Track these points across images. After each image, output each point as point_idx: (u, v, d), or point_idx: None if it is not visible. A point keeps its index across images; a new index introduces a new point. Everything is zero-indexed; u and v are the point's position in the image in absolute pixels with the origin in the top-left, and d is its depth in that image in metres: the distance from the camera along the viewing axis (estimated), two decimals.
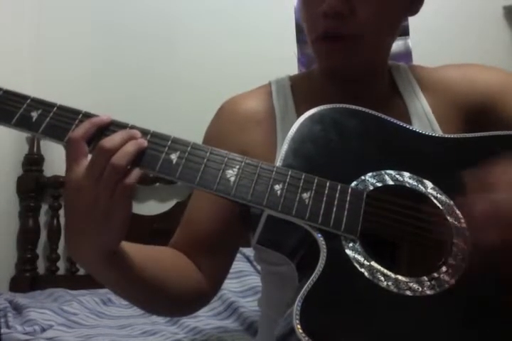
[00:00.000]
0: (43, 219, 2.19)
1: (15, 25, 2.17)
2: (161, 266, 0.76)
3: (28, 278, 2.06)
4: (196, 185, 0.63)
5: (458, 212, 0.68)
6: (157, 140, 0.64)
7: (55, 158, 2.19)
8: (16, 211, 2.14)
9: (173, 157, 0.63)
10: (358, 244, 0.63)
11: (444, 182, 0.70)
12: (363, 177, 0.68)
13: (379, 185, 0.68)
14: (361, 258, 0.61)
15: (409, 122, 0.84)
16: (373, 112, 0.75)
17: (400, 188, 0.69)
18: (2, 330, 1.41)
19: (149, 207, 2.12)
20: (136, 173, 0.62)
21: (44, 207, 2.20)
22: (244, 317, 1.44)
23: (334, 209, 0.64)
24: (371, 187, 0.67)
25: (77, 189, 0.61)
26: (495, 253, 0.61)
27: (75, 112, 0.65)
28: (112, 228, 0.63)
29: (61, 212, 2.17)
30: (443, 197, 0.69)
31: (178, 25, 2.23)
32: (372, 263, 0.61)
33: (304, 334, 0.53)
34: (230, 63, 2.15)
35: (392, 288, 0.60)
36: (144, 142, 0.63)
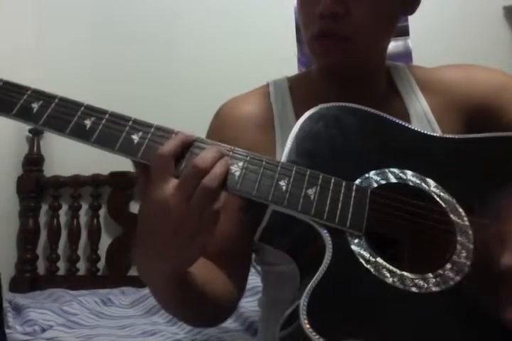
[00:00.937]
0: (43, 219, 2.19)
1: (15, 24, 2.17)
2: (210, 279, 0.75)
3: (28, 279, 2.07)
4: None
5: (461, 210, 0.68)
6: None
7: (55, 158, 2.19)
8: (16, 211, 2.14)
9: None
10: (363, 240, 0.63)
11: (447, 181, 0.70)
12: (366, 175, 0.68)
13: (383, 182, 0.68)
14: (367, 255, 0.61)
15: (409, 122, 0.84)
16: (374, 111, 0.75)
17: (403, 186, 0.69)
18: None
19: None
20: (224, 197, 0.60)
21: (44, 207, 2.20)
22: (244, 317, 1.44)
23: (339, 205, 0.63)
24: (375, 185, 0.67)
25: (164, 208, 0.58)
26: (498, 250, 0.61)
27: (77, 104, 0.64)
28: (192, 252, 0.61)
29: (61, 212, 2.18)
30: (446, 196, 0.69)
31: (178, 25, 2.24)
32: (378, 259, 0.62)
33: (311, 330, 0.53)
34: (230, 63, 2.15)
35: (397, 284, 0.60)
36: (229, 161, 0.62)
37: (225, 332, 1.40)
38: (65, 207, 2.18)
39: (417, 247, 0.68)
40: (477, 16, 2.10)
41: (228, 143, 0.66)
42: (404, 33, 2.11)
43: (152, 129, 0.63)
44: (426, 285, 0.61)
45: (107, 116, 0.63)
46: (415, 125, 0.83)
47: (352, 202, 0.64)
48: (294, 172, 0.64)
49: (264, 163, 0.64)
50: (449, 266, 0.63)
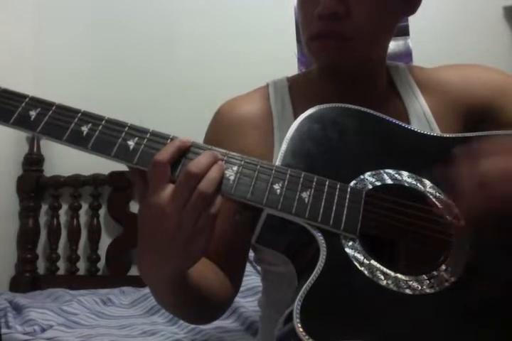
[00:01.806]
0: (43, 219, 2.19)
1: (15, 24, 2.17)
2: (208, 277, 0.77)
3: (28, 278, 2.07)
4: None
5: (457, 210, 0.68)
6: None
7: (55, 158, 2.19)
8: (16, 211, 2.14)
9: None
10: (357, 242, 0.63)
11: (443, 181, 0.70)
12: (362, 177, 0.68)
13: (378, 184, 0.68)
14: (361, 257, 0.62)
15: (408, 122, 0.84)
16: (372, 111, 0.75)
17: (398, 187, 0.69)
18: (2, 330, 1.41)
19: None
20: (219, 201, 0.61)
21: (44, 207, 2.20)
22: (244, 317, 1.44)
23: (334, 207, 0.63)
24: (370, 186, 0.67)
25: (161, 214, 0.59)
26: (494, 251, 0.61)
27: (74, 111, 0.64)
28: (191, 255, 0.62)
29: (61, 211, 2.18)
30: (442, 196, 0.69)
31: (178, 25, 2.24)
32: (372, 261, 0.62)
33: (304, 333, 0.53)
34: (229, 63, 2.15)
35: (391, 286, 0.60)
36: (224, 166, 0.63)
37: (225, 332, 1.40)
38: (65, 207, 2.19)
39: (412, 249, 0.68)
40: (477, 16, 2.10)
41: (227, 145, 0.66)
42: (405, 33, 2.11)
43: (148, 135, 0.64)
44: (420, 287, 0.61)
45: (103, 122, 0.64)
46: (415, 125, 0.83)
47: (346, 205, 0.64)
48: (288, 175, 0.64)
49: (258, 166, 0.64)
50: (443, 267, 0.63)
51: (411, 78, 0.91)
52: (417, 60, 2.00)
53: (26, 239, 2.12)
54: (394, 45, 2.11)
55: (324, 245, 0.61)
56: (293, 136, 0.69)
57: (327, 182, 0.65)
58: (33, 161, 2.17)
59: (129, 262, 2.07)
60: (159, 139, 0.64)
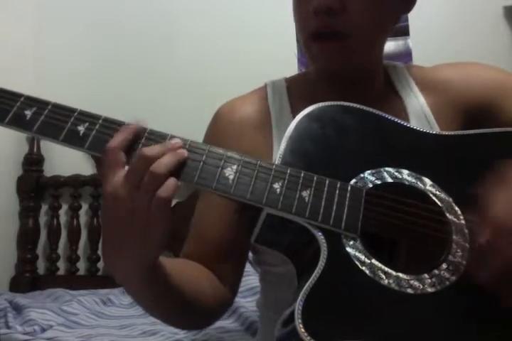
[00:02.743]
0: (42, 219, 2.19)
1: (15, 24, 2.17)
2: (194, 280, 0.75)
3: (28, 278, 2.07)
4: (195, 184, 0.62)
5: (457, 208, 0.68)
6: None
7: (55, 158, 2.19)
8: (16, 211, 2.14)
9: None
10: (358, 241, 0.62)
11: (443, 180, 0.70)
12: (361, 175, 0.68)
13: (378, 182, 0.68)
14: (362, 256, 0.61)
15: (407, 121, 0.84)
16: (371, 109, 0.74)
17: (398, 186, 0.68)
18: (2, 330, 1.41)
19: None
20: (172, 184, 0.59)
21: (44, 207, 2.20)
22: (245, 317, 1.44)
23: (334, 207, 0.63)
24: (370, 185, 0.67)
25: (114, 198, 0.59)
26: (494, 250, 0.61)
27: (70, 110, 0.64)
28: (151, 240, 0.61)
29: (61, 212, 2.18)
30: (442, 194, 0.69)
31: (178, 25, 2.24)
32: (373, 261, 0.61)
33: (306, 334, 0.53)
34: (229, 63, 2.15)
35: (393, 285, 0.60)
36: (184, 152, 0.62)
37: (225, 332, 1.40)
38: (65, 207, 2.19)
39: (412, 247, 0.67)
40: (477, 16, 2.10)
41: (226, 145, 0.66)
42: (405, 32, 2.11)
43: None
44: (421, 286, 0.61)
45: (100, 121, 0.63)
46: (414, 124, 0.82)
47: (347, 204, 0.64)
48: (288, 174, 0.64)
49: (258, 166, 0.64)
50: (444, 265, 0.63)
51: (409, 77, 0.90)
52: (417, 60, 2.00)
53: (26, 239, 2.12)
54: (394, 45, 2.11)
55: (325, 244, 0.61)
56: (292, 134, 0.69)
57: (327, 181, 0.65)
58: (33, 161, 2.17)
59: None
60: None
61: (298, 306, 0.55)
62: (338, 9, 0.75)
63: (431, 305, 0.60)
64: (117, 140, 0.61)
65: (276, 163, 0.66)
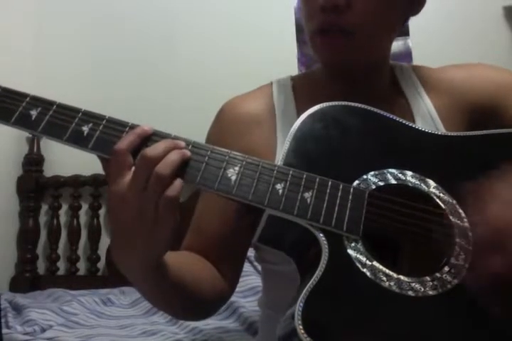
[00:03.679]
0: (43, 219, 2.19)
1: (16, 23, 2.17)
2: (195, 272, 0.76)
3: (28, 278, 2.07)
4: (197, 184, 0.62)
5: (461, 211, 0.67)
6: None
7: (55, 158, 2.19)
8: (16, 211, 2.14)
9: None
10: (360, 243, 0.62)
11: (447, 181, 0.69)
12: (365, 177, 0.67)
13: (381, 184, 0.67)
14: (363, 258, 0.61)
15: (413, 121, 0.83)
16: (375, 109, 0.74)
17: (402, 187, 0.68)
18: (2, 331, 1.41)
19: None
20: (179, 184, 0.60)
21: (44, 207, 2.20)
22: (245, 317, 1.44)
23: (336, 208, 0.63)
24: (373, 187, 0.67)
25: (122, 201, 0.60)
26: (497, 252, 0.60)
27: (75, 110, 0.64)
28: (159, 240, 0.61)
29: (61, 212, 2.18)
30: (446, 197, 0.68)
31: (179, 25, 2.24)
32: (375, 263, 0.61)
33: (305, 335, 0.53)
34: (230, 62, 2.15)
35: (394, 288, 0.60)
36: (187, 152, 0.62)
37: (225, 332, 1.40)
38: (65, 207, 2.19)
39: (415, 250, 0.67)
40: (477, 16, 2.10)
41: (230, 142, 0.66)
42: (405, 33, 2.11)
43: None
44: (423, 289, 0.60)
45: (104, 122, 0.64)
46: (419, 124, 0.82)
47: (349, 206, 0.64)
48: (290, 175, 0.64)
49: (260, 167, 0.64)
50: (446, 268, 0.63)
51: (415, 78, 0.90)
52: (417, 60, 2.00)
53: (26, 239, 2.12)
54: (394, 45, 2.09)
55: (326, 246, 0.60)
56: (295, 135, 0.69)
57: (329, 183, 0.64)
58: (33, 161, 2.17)
59: None
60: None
61: (298, 307, 0.55)
62: (344, 7, 0.75)
63: (432, 308, 0.60)
64: (125, 142, 0.61)
65: (279, 163, 0.66)
